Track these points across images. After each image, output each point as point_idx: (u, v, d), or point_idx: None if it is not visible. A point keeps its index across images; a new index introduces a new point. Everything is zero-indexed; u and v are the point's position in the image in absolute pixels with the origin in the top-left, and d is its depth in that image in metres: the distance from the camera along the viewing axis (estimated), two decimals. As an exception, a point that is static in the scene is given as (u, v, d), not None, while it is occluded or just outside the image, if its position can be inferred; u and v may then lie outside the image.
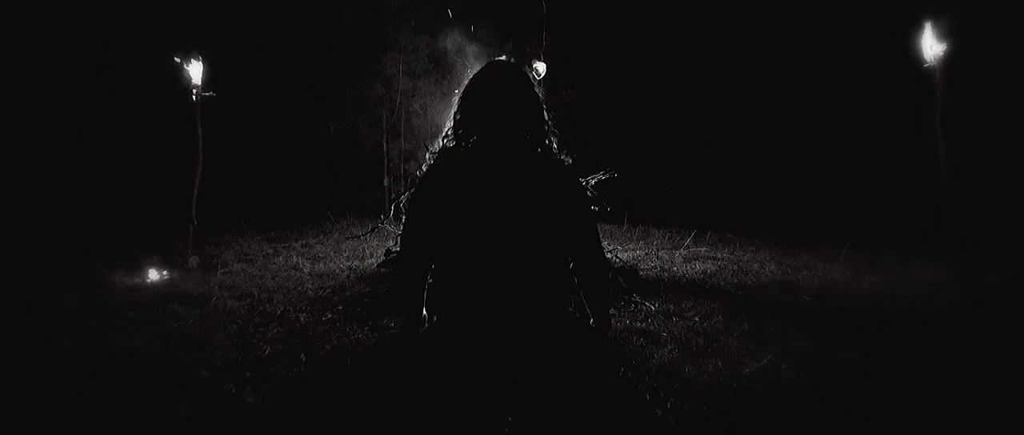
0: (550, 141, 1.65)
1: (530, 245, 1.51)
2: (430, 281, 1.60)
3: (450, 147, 1.64)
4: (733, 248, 7.23)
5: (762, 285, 4.86)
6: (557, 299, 1.53)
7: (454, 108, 1.69)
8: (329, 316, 3.85)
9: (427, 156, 1.75)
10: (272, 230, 8.87)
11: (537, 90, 1.67)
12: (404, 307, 1.59)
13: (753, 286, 4.84)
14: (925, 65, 5.31)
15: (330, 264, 5.81)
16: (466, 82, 1.68)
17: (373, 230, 6.02)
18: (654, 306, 3.91)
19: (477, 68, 1.71)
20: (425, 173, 1.62)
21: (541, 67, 4.80)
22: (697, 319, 3.69)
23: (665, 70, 11.92)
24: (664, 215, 10.25)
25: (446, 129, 1.69)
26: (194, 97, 5.43)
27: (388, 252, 5.27)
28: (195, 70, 5.40)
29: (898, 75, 9.46)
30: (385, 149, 11.33)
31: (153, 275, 5.08)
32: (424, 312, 1.61)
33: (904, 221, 8.58)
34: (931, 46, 5.25)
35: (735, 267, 5.60)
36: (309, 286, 4.78)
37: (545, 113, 1.65)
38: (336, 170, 11.88)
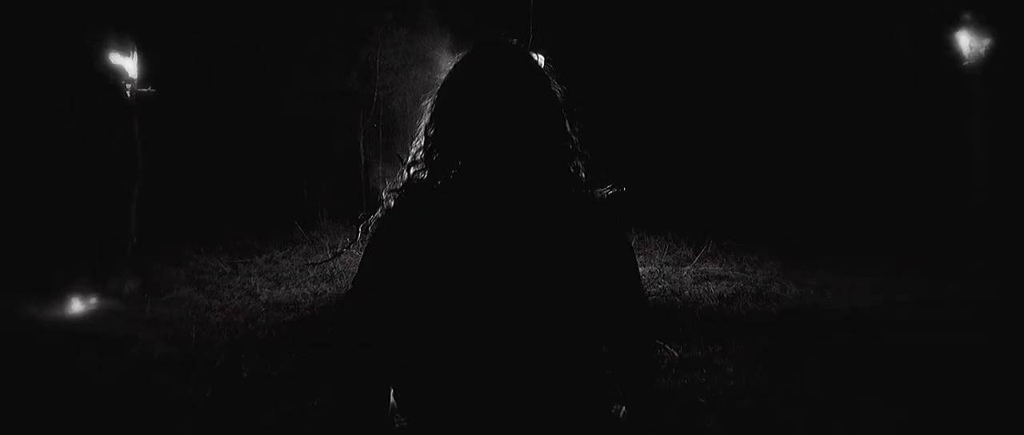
0: (577, 167, 1.05)
1: (555, 327, 0.98)
2: (400, 366, 1.07)
3: (422, 180, 1.02)
4: (739, 259, 6.66)
5: (789, 313, 4.26)
6: (593, 402, 1.04)
7: (424, 119, 1.06)
8: (280, 368, 3.12)
9: (384, 195, 1.10)
10: (236, 240, 8.04)
11: (555, 87, 1.07)
12: (360, 396, 1.07)
13: (779, 316, 4.24)
14: (964, 63, 4.74)
15: (292, 289, 5.05)
16: (444, 77, 1.07)
17: (339, 255, 5.27)
18: (677, 352, 3.26)
19: (460, 55, 1.10)
20: (384, 221, 1.03)
21: (539, 60, 4.09)
22: (731, 370, 3.05)
23: (655, 62, 11.35)
24: (658, 219, 9.69)
25: (413, 151, 1.06)
26: (128, 94, 4.61)
27: (375, 219, 4.54)
28: (129, 64, 4.58)
29: (901, 71, 9.01)
30: (362, 150, 10.54)
31: (77, 305, 4.27)
32: (392, 400, 1.09)
33: (915, 226, 8.15)
34: (970, 43, 4.68)
35: (753, 289, 5.00)
36: (263, 321, 4.03)
37: (568, 123, 1.06)
38: (308, 174, 11.04)
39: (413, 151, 1.07)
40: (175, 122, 9.65)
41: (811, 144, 10.76)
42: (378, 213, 1.13)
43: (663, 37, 11.13)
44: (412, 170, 1.05)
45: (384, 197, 1.13)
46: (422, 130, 1.06)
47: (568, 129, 1.06)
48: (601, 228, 1.02)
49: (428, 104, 1.08)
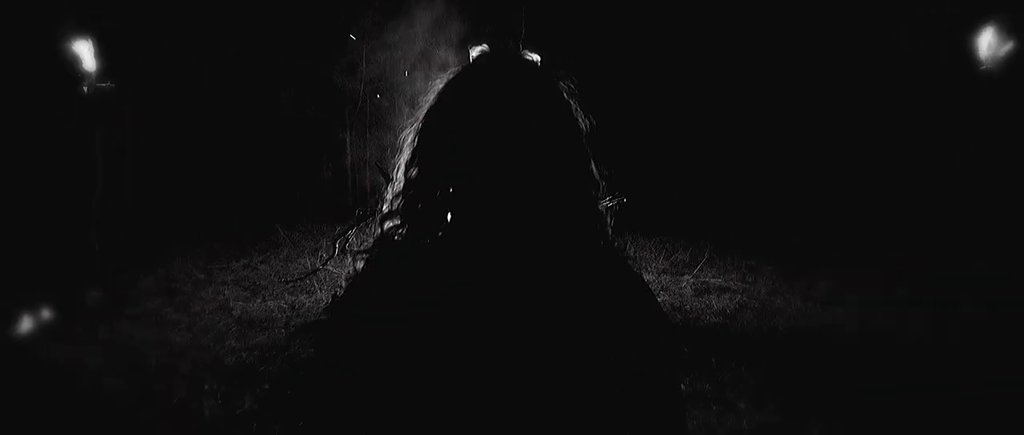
0: (605, 222, 0.82)
1: None
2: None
3: (402, 237, 0.79)
4: (737, 265, 6.45)
5: (797, 333, 4.03)
6: None
7: (403, 155, 0.82)
8: (247, 405, 2.81)
9: (350, 258, 0.84)
10: (216, 241, 7.68)
11: (578, 115, 0.82)
12: None
13: (787, 335, 4.00)
14: (982, 67, 4.52)
15: (268, 301, 4.72)
16: (431, 99, 0.82)
17: (314, 272, 4.95)
18: (683, 384, 3.00)
19: (452, 71, 0.85)
20: (347, 297, 0.79)
21: (533, 60, 3.78)
22: (742, 405, 2.79)
23: (651, 59, 11.06)
24: (653, 220, 9.45)
25: (389, 198, 0.82)
26: (86, 89, 4.23)
27: (335, 297, 4.21)
28: (85, 53, 4.19)
29: (901, 72, 8.83)
30: (349, 147, 10.18)
31: (26, 323, 3.92)
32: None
33: (912, 225, 7.99)
34: (989, 46, 4.45)
35: (757, 304, 4.76)
36: (233, 343, 3.70)
37: (594, 164, 0.83)
38: (291, 173, 10.64)
39: (388, 198, 0.81)
40: (155, 122, 9.25)
41: (806, 142, 10.57)
42: (350, 264, 0.89)
43: (661, 33, 10.84)
44: (387, 225, 0.80)
45: (350, 260, 0.85)
46: (401, 170, 0.81)
47: (594, 172, 0.81)
48: (636, 311, 0.77)
49: (408, 135, 0.82)
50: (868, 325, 4.17)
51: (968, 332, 3.99)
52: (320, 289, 5.00)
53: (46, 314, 4.11)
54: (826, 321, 4.33)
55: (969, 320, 4.26)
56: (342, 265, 4.96)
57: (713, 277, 5.83)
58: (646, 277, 6.02)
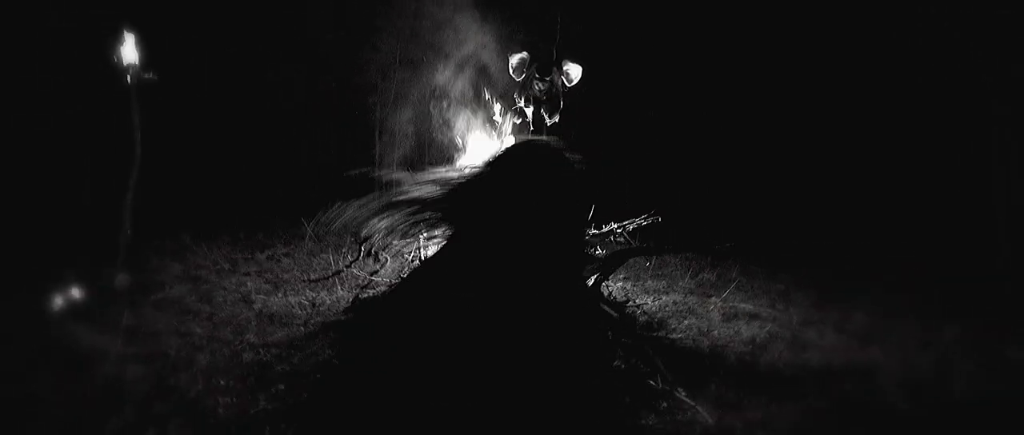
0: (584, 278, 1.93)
1: None
2: None
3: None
4: (767, 289, 6.22)
5: (831, 372, 3.82)
6: None
7: None
8: (261, 404, 2.77)
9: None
10: (242, 230, 7.80)
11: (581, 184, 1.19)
12: None
13: (820, 372, 3.80)
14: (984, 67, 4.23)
15: (289, 296, 4.72)
16: (467, 174, 1.58)
17: (338, 274, 4.93)
18: (712, 418, 2.85)
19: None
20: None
21: (575, 71, 3.70)
22: (773, 447, 2.64)
23: (672, 60, 10.78)
24: (678, 237, 9.23)
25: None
26: (128, 79, 4.31)
27: (357, 298, 4.18)
28: (128, 47, 4.28)
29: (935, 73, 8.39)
30: (377, 144, 10.23)
31: (57, 302, 3.99)
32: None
33: (949, 248, 7.59)
34: (986, 47, 4.17)
35: (789, 334, 4.55)
36: (251, 337, 3.69)
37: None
38: (319, 167, 10.73)
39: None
40: (191, 112, 9.46)
41: (836, 159, 10.19)
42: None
43: (699, 45, 10.60)
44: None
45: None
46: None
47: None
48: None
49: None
50: (910, 368, 3.93)
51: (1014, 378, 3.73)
52: (341, 287, 4.99)
53: (75, 294, 4.18)
54: (863, 359, 4.10)
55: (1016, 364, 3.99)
56: (364, 267, 4.93)
57: (741, 301, 5.61)
58: (673, 297, 5.85)
